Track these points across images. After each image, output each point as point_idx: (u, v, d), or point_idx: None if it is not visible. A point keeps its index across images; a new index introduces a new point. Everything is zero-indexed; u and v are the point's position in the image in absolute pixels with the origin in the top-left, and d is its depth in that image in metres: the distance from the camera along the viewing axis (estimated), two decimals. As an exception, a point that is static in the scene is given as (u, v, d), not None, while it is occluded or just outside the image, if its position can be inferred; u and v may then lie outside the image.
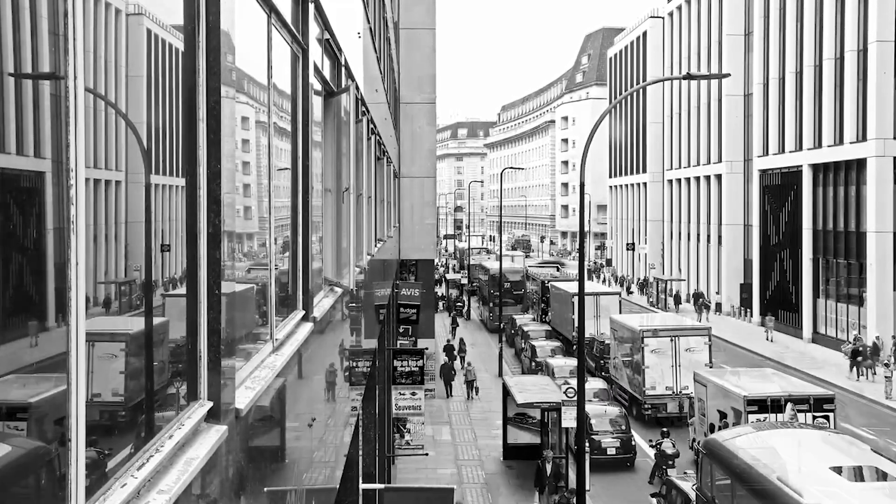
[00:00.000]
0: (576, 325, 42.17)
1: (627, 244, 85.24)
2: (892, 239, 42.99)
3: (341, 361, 8.83)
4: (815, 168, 49.20)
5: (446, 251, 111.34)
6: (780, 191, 53.59)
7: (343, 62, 9.21)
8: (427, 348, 29.64)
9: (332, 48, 8.41)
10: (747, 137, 60.67)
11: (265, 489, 4.84)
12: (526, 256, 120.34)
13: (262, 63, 5.07)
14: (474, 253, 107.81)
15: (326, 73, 8.08)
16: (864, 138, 44.16)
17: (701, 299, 59.14)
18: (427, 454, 26.41)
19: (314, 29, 6.78)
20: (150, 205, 3.25)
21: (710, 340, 33.67)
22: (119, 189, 2.99)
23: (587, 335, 40.21)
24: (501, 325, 45.81)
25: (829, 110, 47.68)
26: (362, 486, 12.62)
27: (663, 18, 75.46)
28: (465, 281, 67.47)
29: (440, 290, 65.72)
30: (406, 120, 33.48)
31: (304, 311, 6.52)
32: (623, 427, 27.85)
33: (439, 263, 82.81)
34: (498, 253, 59.02)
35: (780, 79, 53.22)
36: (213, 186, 3.68)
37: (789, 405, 24.47)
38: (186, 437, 3.35)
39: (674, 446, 26.29)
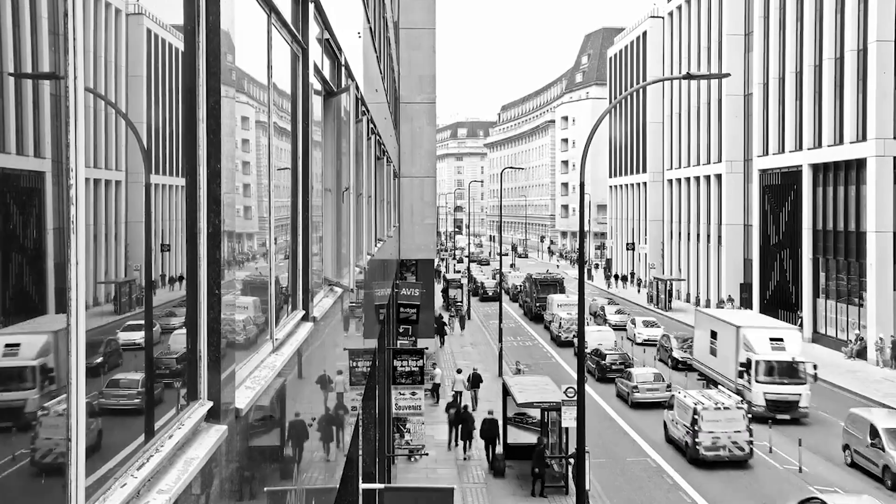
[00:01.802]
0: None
1: (627, 244, 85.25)
2: (892, 239, 42.99)
3: (341, 361, 8.83)
4: (815, 168, 49.20)
5: (446, 251, 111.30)
6: (780, 191, 53.60)
7: (343, 62, 9.21)
8: (427, 348, 29.64)
9: (332, 48, 8.41)
10: (747, 137, 60.67)
11: (265, 489, 4.84)
12: (520, 256, 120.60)
13: (262, 63, 5.07)
14: (474, 255, 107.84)
15: (326, 72, 8.08)
16: (864, 138, 44.15)
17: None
18: (427, 454, 26.41)
19: (314, 29, 6.78)
20: (150, 205, 3.25)
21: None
22: (119, 189, 2.99)
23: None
24: (501, 327, 45.83)
25: (829, 110, 47.68)
26: (362, 485, 12.62)
27: (663, 18, 75.45)
28: (465, 281, 67.56)
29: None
30: (406, 120, 33.49)
31: (304, 311, 6.51)
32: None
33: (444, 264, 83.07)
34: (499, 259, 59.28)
35: (780, 79, 53.22)
36: (213, 186, 3.68)
37: None
38: (186, 437, 3.35)
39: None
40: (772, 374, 32.62)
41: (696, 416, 27.34)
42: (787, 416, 31.93)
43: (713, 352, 37.46)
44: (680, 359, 41.48)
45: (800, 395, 31.98)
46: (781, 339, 34.44)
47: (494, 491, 25.13)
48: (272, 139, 5.27)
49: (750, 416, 28.12)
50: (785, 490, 25.42)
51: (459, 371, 34.17)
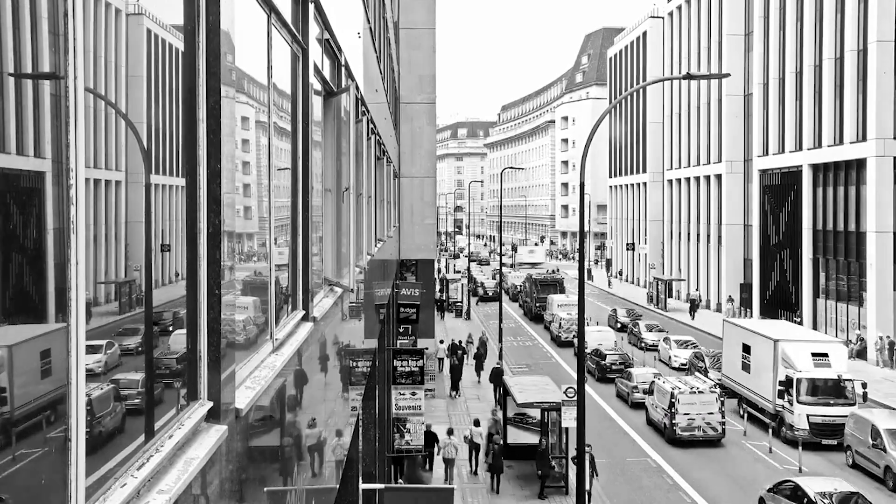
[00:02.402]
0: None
1: (627, 244, 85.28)
2: (892, 239, 42.99)
3: (341, 361, 8.83)
4: (815, 168, 49.20)
5: (446, 251, 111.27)
6: (779, 191, 53.59)
7: (343, 62, 9.20)
8: (427, 348, 29.65)
9: (332, 48, 8.41)
10: (747, 137, 60.67)
11: (265, 489, 4.84)
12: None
13: (262, 63, 5.07)
14: (474, 256, 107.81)
15: (326, 73, 8.08)
16: (864, 138, 44.16)
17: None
18: (427, 454, 26.39)
19: (314, 29, 6.78)
20: (150, 205, 3.25)
21: None
22: (119, 189, 2.99)
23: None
24: (501, 327, 45.86)
25: (829, 110, 47.68)
26: (362, 486, 12.62)
27: (663, 18, 75.45)
28: (465, 281, 67.61)
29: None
30: (406, 120, 33.47)
31: (304, 311, 6.51)
32: None
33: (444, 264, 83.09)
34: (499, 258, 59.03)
35: (780, 79, 53.22)
36: (213, 186, 3.68)
37: None
38: (186, 437, 3.35)
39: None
40: (816, 394, 29.34)
41: (673, 400, 29.65)
42: (833, 442, 28.57)
43: (745, 367, 33.58)
44: (716, 380, 35.03)
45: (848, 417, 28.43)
46: (826, 355, 30.74)
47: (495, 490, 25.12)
48: (272, 139, 5.27)
49: (721, 405, 29.40)
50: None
51: (441, 342, 42.01)
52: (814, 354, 30.75)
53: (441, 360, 40.23)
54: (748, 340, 33.75)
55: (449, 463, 25.38)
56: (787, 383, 29.72)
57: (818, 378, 29.70)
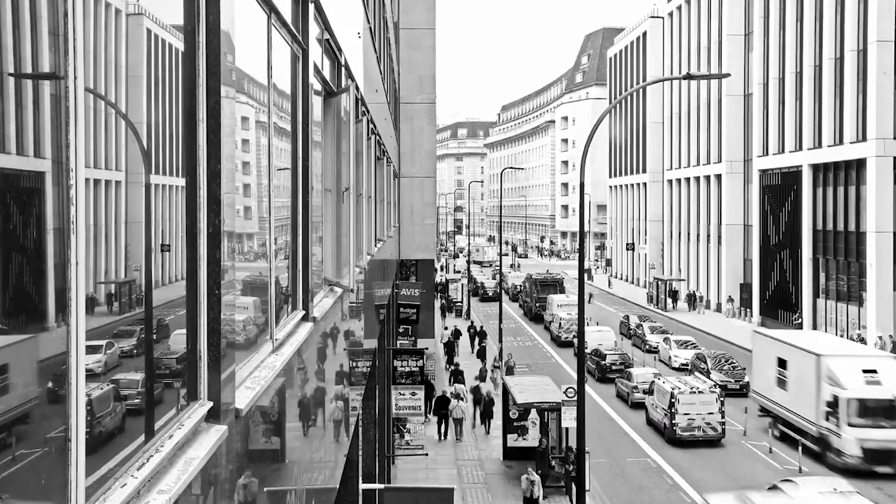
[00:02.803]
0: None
1: (627, 244, 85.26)
2: (892, 239, 42.99)
3: (341, 361, 8.83)
4: (815, 168, 49.20)
5: (446, 251, 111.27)
6: (779, 191, 53.59)
7: (343, 62, 9.21)
8: (427, 348, 29.68)
9: (332, 48, 8.41)
10: (747, 137, 60.66)
11: (265, 489, 4.84)
12: (519, 257, 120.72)
13: (262, 63, 5.07)
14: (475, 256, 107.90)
15: (326, 73, 8.08)
16: (864, 138, 44.16)
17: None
18: (427, 454, 26.41)
19: (314, 29, 6.78)
20: (150, 205, 3.25)
21: None
22: (119, 189, 2.99)
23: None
24: (501, 327, 45.88)
25: (828, 110, 47.68)
26: (362, 486, 12.62)
27: (663, 18, 75.44)
28: (465, 281, 67.62)
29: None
30: (406, 120, 33.48)
31: (304, 311, 6.51)
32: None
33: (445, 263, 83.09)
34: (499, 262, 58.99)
35: (780, 79, 53.22)
36: (213, 186, 3.68)
37: None
38: (186, 437, 3.34)
39: None
40: (867, 416, 26.08)
41: (673, 400, 29.75)
42: (889, 469, 25.62)
43: (781, 384, 30.22)
44: (719, 382, 34.37)
45: None
46: (875, 371, 27.11)
47: (494, 490, 25.14)
48: (272, 139, 5.27)
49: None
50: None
51: (446, 328, 47.63)
52: (863, 371, 27.30)
53: (445, 343, 45.37)
54: (784, 354, 30.46)
55: (457, 422, 30.19)
56: (834, 403, 26.62)
57: (870, 398, 26.35)
